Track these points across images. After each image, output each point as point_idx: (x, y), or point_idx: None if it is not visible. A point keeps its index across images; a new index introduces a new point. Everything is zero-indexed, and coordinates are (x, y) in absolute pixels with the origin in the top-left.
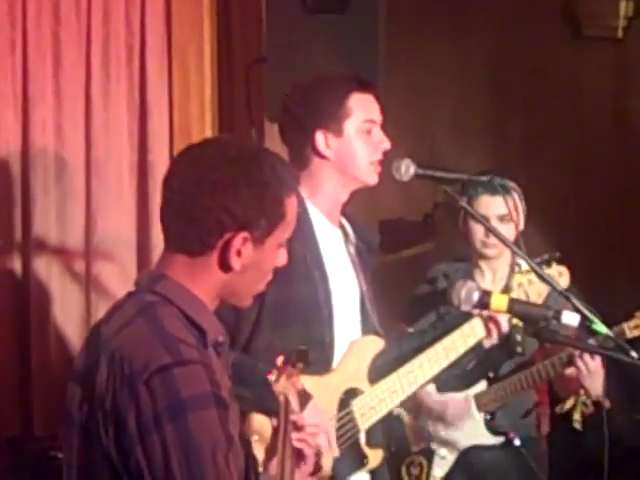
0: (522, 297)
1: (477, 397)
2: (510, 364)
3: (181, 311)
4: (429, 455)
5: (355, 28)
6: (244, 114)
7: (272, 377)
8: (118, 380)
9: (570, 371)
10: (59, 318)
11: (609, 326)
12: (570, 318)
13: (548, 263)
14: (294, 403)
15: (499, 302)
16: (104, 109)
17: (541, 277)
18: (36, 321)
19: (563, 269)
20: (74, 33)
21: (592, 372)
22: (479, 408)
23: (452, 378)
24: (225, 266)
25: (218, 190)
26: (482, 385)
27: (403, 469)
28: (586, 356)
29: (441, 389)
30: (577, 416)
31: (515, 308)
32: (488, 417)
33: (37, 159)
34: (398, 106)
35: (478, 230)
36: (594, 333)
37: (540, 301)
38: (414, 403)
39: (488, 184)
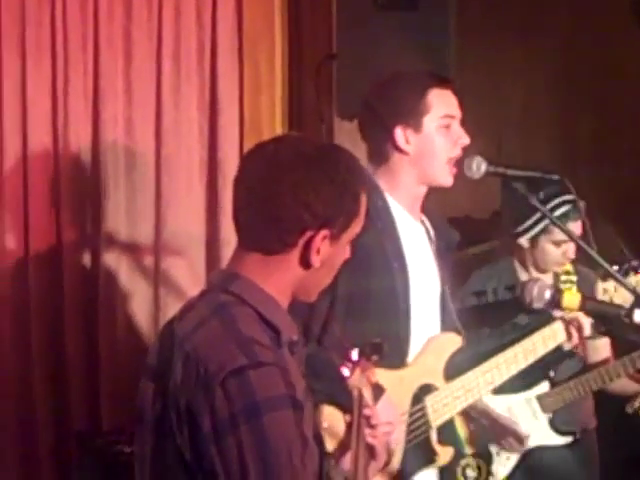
0: None
1: (541, 398)
2: (571, 365)
3: (255, 311)
4: (486, 457)
5: (425, 25)
6: (314, 111)
7: (346, 370)
8: (193, 381)
9: None
10: (128, 313)
11: None
12: None
13: (636, 270)
14: (368, 397)
15: (571, 300)
16: (174, 105)
17: (619, 281)
18: (105, 316)
19: None
20: (145, 29)
21: None
22: (543, 409)
23: (511, 379)
24: (305, 264)
25: (299, 188)
26: (544, 386)
27: (458, 471)
28: None
29: (498, 391)
30: None
31: (587, 306)
32: (552, 418)
33: (108, 155)
34: (466, 104)
35: (558, 251)
36: None
37: None
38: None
39: (574, 209)
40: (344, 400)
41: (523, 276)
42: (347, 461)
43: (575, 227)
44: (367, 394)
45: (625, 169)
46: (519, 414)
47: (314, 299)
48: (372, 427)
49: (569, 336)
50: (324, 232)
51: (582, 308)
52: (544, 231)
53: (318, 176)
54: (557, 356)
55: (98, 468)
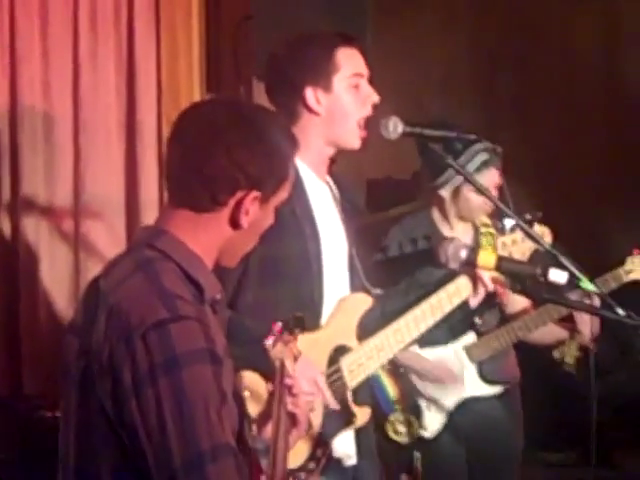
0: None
1: (468, 348)
2: (495, 314)
3: (180, 267)
4: (416, 412)
5: None
6: (232, 72)
7: (269, 342)
8: (115, 334)
9: None
10: (48, 277)
11: (600, 275)
12: (558, 276)
13: (530, 223)
14: (290, 368)
15: (487, 260)
16: (92, 69)
17: (531, 236)
18: (25, 279)
19: (545, 229)
20: None
21: (590, 318)
22: (471, 360)
23: (436, 331)
24: (234, 224)
25: (233, 149)
26: (470, 337)
27: (388, 427)
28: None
29: (423, 344)
30: (570, 359)
31: (503, 266)
32: (480, 368)
33: (25, 118)
34: (387, 65)
35: (478, 199)
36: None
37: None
38: (392, 361)
39: (492, 156)
40: (265, 367)
41: (443, 227)
42: (269, 430)
43: (494, 174)
44: (289, 365)
45: (546, 127)
46: (447, 366)
47: (235, 264)
48: (294, 396)
49: (474, 290)
50: (255, 193)
51: (497, 267)
52: (465, 181)
53: (252, 138)
54: (481, 306)
55: (19, 432)
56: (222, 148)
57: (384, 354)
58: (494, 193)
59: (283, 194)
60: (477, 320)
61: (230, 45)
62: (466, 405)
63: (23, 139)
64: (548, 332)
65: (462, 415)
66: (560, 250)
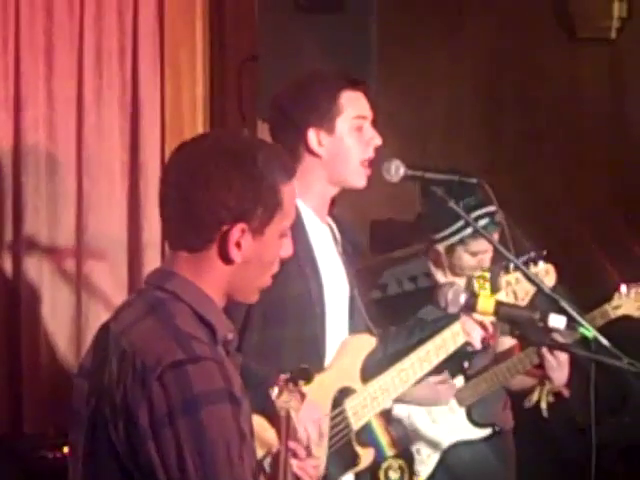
0: (510, 296)
1: (456, 392)
2: (483, 357)
3: (191, 308)
4: (408, 458)
5: (348, 28)
6: (236, 113)
7: (274, 392)
8: (130, 375)
9: None
10: (49, 317)
11: (591, 310)
12: (557, 321)
13: (534, 261)
14: (295, 420)
15: (485, 305)
16: (96, 109)
17: (529, 278)
18: (26, 319)
19: (550, 267)
20: (66, 32)
21: (561, 364)
22: (459, 403)
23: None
24: (226, 259)
25: (212, 183)
26: (459, 381)
27: (381, 474)
28: (556, 350)
29: None
30: (544, 405)
31: (501, 311)
32: (469, 411)
33: (29, 158)
34: (391, 107)
35: (472, 261)
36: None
37: (528, 299)
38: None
39: (492, 222)
40: (270, 411)
41: (438, 274)
42: None
43: (494, 237)
44: (295, 417)
45: (549, 170)
46: (435, 410)
47: (255, 299)
48: (299, 459)
49: (467, 335)
50: (241, 225)
51: (496, 313)
52: (461, 242)
53: (230, 170)
54: (461, 350)
55: (19, 472)
56: (200, 184)
57: (388, 395)
58: (489, 254)
59: (283, 221)
60: (465, 364)
61: (234, 85)
62: (456, 449)
63: (26, 179)
64: (527, 378)
65: (452, 459)
66: (562, 291)
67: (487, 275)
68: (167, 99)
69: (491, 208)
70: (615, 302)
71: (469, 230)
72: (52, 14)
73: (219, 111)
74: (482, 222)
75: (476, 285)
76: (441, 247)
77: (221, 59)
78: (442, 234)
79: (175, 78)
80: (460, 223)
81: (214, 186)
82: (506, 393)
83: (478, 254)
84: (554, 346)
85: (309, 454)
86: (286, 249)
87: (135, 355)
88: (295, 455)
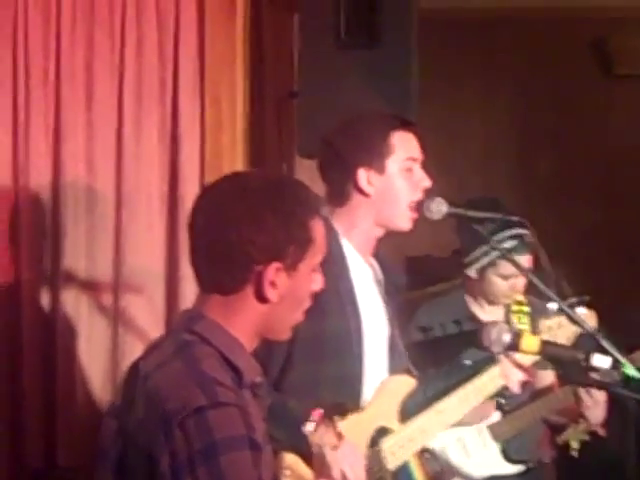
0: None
1: (492, 427)
2: (521, 393)
3: (218, 351)
4: None
5: (387, 64)
6: (275, 148)
7: (309, 427)
8: (153, 420)
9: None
10: (86, 350)
11: (630, 352)
12: (601, 361)
13: (575, 306)
14: (329, 455)
15: (530, 344)
16: (135, 141)
17: (572, 319)
18: (63, 353)
19: (591, 313)
20: (107, 64)
21: (596, 403)
22: (495, 438)
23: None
24: (261, 299)
25: (242, 224)
26: (495, 416)
27: None
28: (593, 389)
29: None
30: (575, 444)
31: (546, 350)
32: (504, 446)
33: (68, 191)
34: (427, 143)
35: (504, 285)
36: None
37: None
38: None
39: (522, 243)
40: (303, 445)
41: (475, 308)
42: None
43: (524, 261)
44: (328, 453)
45: (584, 207)
46: (470, 444)
47: (288, 336)
48: None
49: (505, 379)
50: (275, 264)
51: (541, 352)
52: (491, 264)
53: (260, 209)
54: (500, 392)
55: None
56: (229, 226)
57: (426, 436)
58: (522, 279)
59: (315, 257)
60: (501, 400)
61: (274, 121)
62: None
63: (65, 211)
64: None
65: None
66: (604, 334)
67: (525, 309)
68: (207, 133)
69: (519, 230)
70: None
71: (496, 252)
72: (93, 45)
73: (258, 146)
74: (509, 244)
75: (514, 320)
76: (473, 272)
77: (261, 95)
78: (471, 257)
79: (215, 111)
80: (488, 246)
81: (245, 227)
82: (546, 426)
83: (510, 278)
84: (597, 385)
85: None
86: (317, 283)
87: (159, 400)
88: None
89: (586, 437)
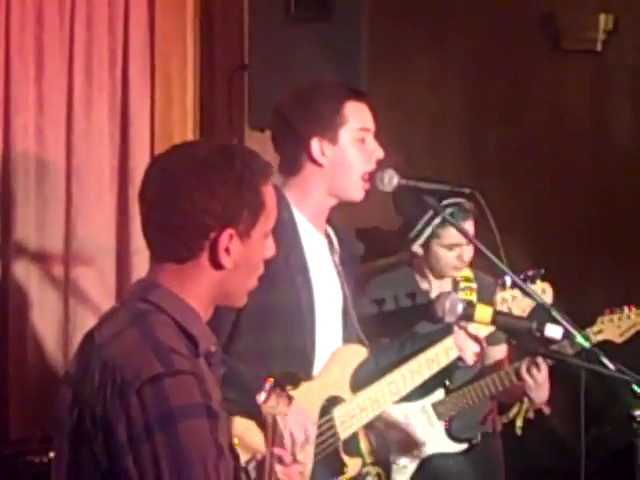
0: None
1: (436, 406)
2: (465, 372)
3: (174, 320)
4: (386, 465)
5: (338, 36)
6: (226, 121)
7: (261, 397)
8: (109, 388)
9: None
10: (37, 322)
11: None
12: (554, 331)
13: (532, 280)
14: (281, 425)
15: (483, 314)
16: (86, 115)
17: (524, 291)
18: (14, 325)
19: (547, 286)
20: (57, 39)
21: (540, 384)
22: (439, 417)
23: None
24: (216, 266)
25: (194, 193)
26: (439, 394)
27: None
28: (534, 370)
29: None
30: (519, 423)
31: (499, 320)
32: (448, 425)
33: (18, 164)
34: (377, 115)
35: (450, 255)
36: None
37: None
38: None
39: (460, 209)
40: (258, 415)
41: (423, 284)
42: None
43: (467, 227)
44: (281, 423)
45: (534, 181)
46: (415, 421)
47: (243, 302)
48: (285, 465)
49: (459, 350)
50: (229, 231)
51: (494, 322)
52: (434, 235)
53: (211, 177)
54: (453, 364)
55: (6, 477)
56: (183, 196)
57: (377, 405)
58: (467, 248)
59: (267, 222)
60: (446, 380)
61: (224, 94)
62: (432, 461)
63: (15, 185)
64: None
65: (429, 471)
66: (557, 307)
67: (473, 285)
68: (157, 106)
69: (458, 199)
70: (597, 327)
71: (438, 220)
72: (42, 20)
73: (208, 119)
74: (449, 210)
75: (461, 295)
76: (418, 248)
77: (211, 68)
78: (414, 231)
79: (165, 85)
80: (429, 214)
81: (198, 195)
82: (492, 400)
83: (454, 247)
84: (549, 355)
85: (294, 460)
86: (270, 249)
87: (115, 368)
88: (281, 461)
89: (531, 415)
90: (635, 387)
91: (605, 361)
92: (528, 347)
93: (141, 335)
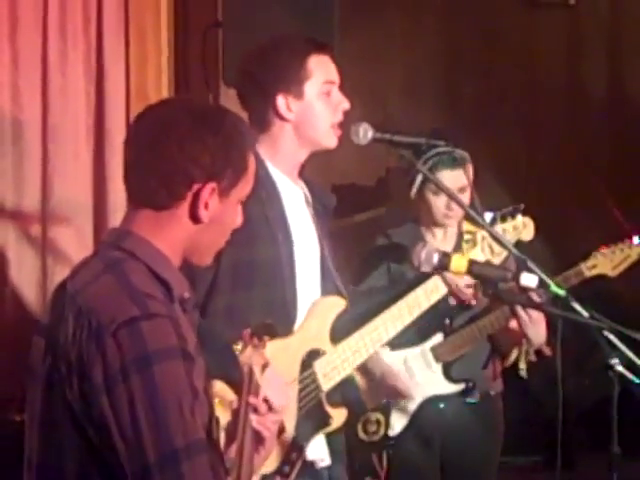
0: (486, 250)
1: (434, 348)
2: (464, 316)
3: (147, 267)
4: (386, 410)
5: None
6: (200, 78)
7: (238, 348)
8: (85, 332)
9: (513, 323)
10: (15, 281)
11: (567, 268)
12: (529, 280)
13: (512, 215)
14: (258, 376)
15: (458, 264)
16: (61, 72)
17: (497, 240)
18: None
19: (528, 220)
20: None
21: (534, 321)
22: (436, 359)
23: (407, 333)
24: (194, 218)
25: (185, 141)
26: (438, 337)
27: (359, 427)
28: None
29: (395, 346)
30: (522, 364)
31: (474, 269)
32: (445, 367)
33: None
34: (351, 69)
35: (439, 202)
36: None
37: (505, 254)
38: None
39: (448, 158)
40: (235, 375)
41: (427, 236)
42: (233, 450)
43: (452, 176)
44: (257, 372)
45: (509, 131)
46: (414, 366)
47: (208, 262)
48: (260, 414)
49: (450, 290)
50: (212, 184)
51: (469, 271)
52: (425, 181)
53: (204, 129)
54: (452, 308)
55: None
56: (174, 143)
57: (359, 355)
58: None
59: (245, 187)
60: (447, 321)
61: (199, 51)
62: (430, 406)
63: None
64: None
65: (429, 415)
66: (540, 246)
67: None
68: (132, 63)
69: (445, 148)
70: (591, 261)
71: (427, 166)
72: None
73: (183, 76)
74: (433, 160)
75: (465, 247)
76: (414, 195)
77: (185, 24)
78: (409, 178)
79: (140, 42)
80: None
81: (188, 143)
82: (496, 358)
83: (440, 193)
84: (525, 304)
85: (270, 409)
86: (239, 218)
87: (90, 313)
88: (256, 410)
89: (532, 357)
90: (608, 334)
91: (578, 308)
92: (505, 296)
93: (116, 281)
